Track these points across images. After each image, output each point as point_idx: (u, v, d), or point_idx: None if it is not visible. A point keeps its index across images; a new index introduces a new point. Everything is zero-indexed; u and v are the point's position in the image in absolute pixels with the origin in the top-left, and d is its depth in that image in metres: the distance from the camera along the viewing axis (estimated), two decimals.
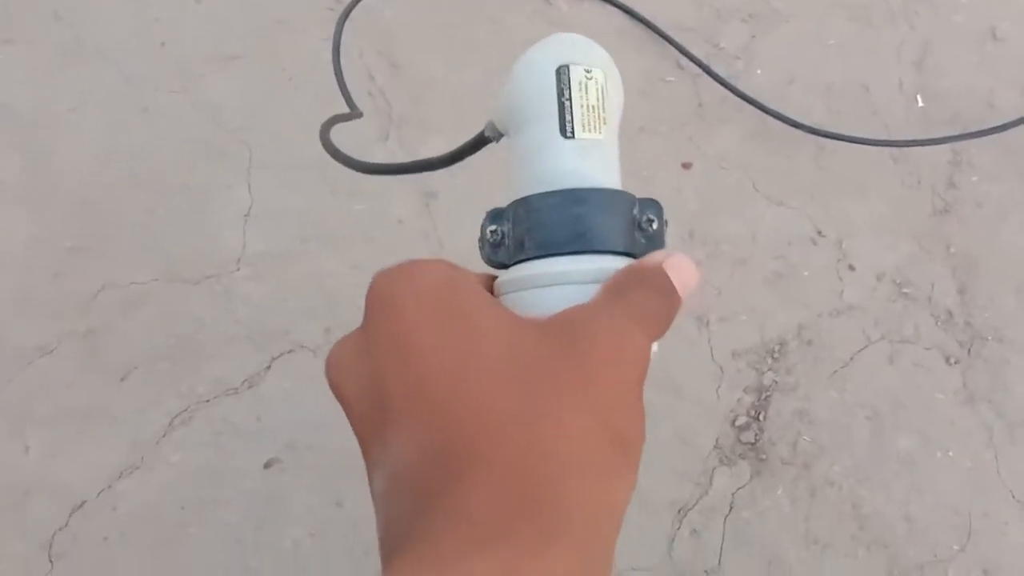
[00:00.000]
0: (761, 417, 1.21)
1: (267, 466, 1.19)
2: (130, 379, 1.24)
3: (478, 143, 0.62)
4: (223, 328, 1.27)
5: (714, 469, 1.18)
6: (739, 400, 1.22)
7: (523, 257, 0.44)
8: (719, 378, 1.23)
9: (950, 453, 1.20)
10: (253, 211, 1.35)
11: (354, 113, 0.98)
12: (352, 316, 1.10)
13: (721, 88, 1.42)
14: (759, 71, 1.45)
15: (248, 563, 1.14)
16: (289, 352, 1.25)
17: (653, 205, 0.47)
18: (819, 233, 1.32)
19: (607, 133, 0.47)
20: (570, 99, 0.46)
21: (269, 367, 1.25)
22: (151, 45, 1.47)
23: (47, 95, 1.43)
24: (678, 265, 0.36)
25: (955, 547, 1.15)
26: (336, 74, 1.05)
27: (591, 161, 0.46)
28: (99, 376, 1.24)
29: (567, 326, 0.31)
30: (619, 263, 0.43)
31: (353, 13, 1.13)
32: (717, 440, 1.20)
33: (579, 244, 0.44)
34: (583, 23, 1.49)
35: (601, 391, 0.29)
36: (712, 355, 1.25)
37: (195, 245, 1.32)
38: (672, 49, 1.46)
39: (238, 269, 1.31)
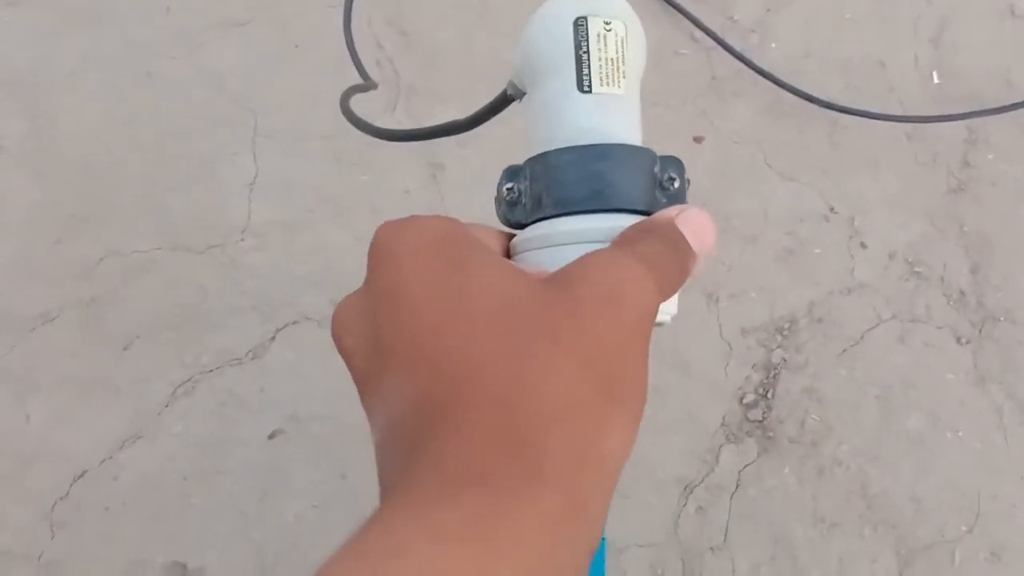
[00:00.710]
0: (769, 395, 1.20)
1: (271, 437, 1.18)
2: (133, 348, 1.23)
3: (501, 103, 0.60)
4: (227, 298, 1.26)
5: (721, 446, 1.17)
6: (747, 378, 1.21)
7: (540, 216, 0.43)
8: (728, 355, 1.22)
9: (960, 434, 1.19)
10: (258, 180, 1.33)
11: (369, 84, 0.96)
12: (352, 287, 1.09)
13: (735, 61, 1.40)
14: (774, 45, 1.43)
15: (251, 535, 1.13)
16: (294, 323, 1.24)
17: (675, 163, 0.45)
18: (831, 210, 1.31)
19: (627, 87, 0.46)
20: (588, 52, 0.45)
21: (274, 338, 1.23)
22: (157, 10, 1.45)
23: (51, 59, 1.41)
24: (692, 219, 0.34)
25: (963, 528, 1.14)
26: (348, 45, 1.02)
27: (610, 116, 0.45)
28: (102, 345, 1.23)
29: (565, 273, 0.30)
30: (639, 221, 0.42)
31: None
32: (724, 418, 1.19)
33: (598, 202, 0.42)
34: None
35: (593, 333, 0.27)
36: (721, 332, 1.23)
37: (199, 214, 1.31)
38: (686, 21, 1.44)
39: (243, 239, 1.29)
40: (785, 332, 1.23)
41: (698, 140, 1.35)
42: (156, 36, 1.42)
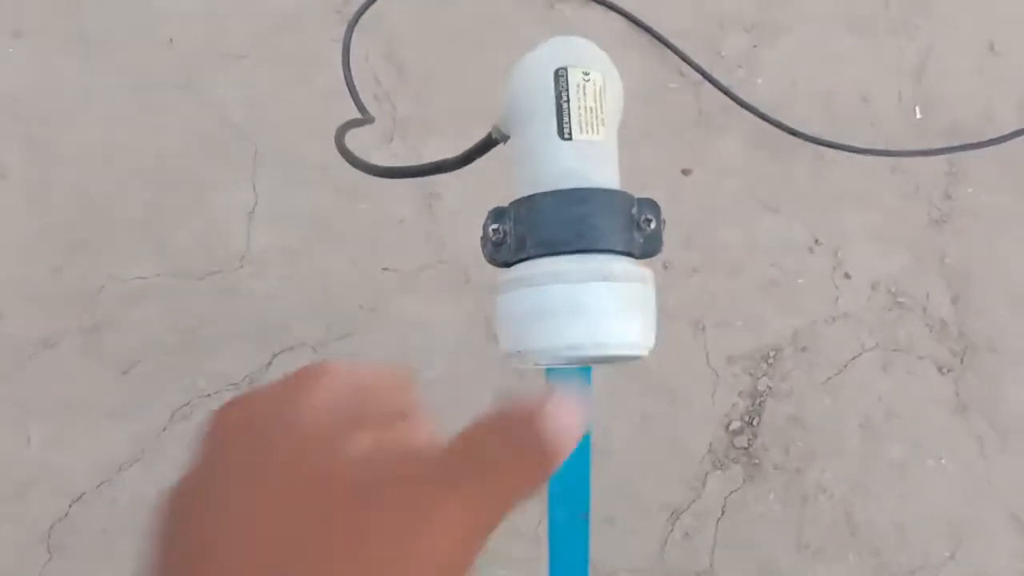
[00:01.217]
0: (755, 422, 1.23)
1: None
2: (132, 373, 1.26)
3: (486, 145, 0.64)
4: (225, 324, 1.29)
5: (707, 473, 1.20)
6: (733, 405, 1.23)
7: (524, 256, 0.46)
8: (714, 383, 1.25)
9: (942, 461, 1.21)
10: (258, 209, 1.36)
11: (366, 119, 1.00)
12: (352, 315, 1.13)
13: (722, 96, 1.44)
14: (760, 80, 1.47)
15: None
16: (290, 348, 1.27)
17: (651, 205, 0.49)
18: (816, 241, 1.34)
19: (605, 134, 0.49)
20: (568, 101, 0.48)
21: (270, 363, 1.26)
22: (160, 41, 1.49)
23: (53, 88, 1.45)
24: (555, 413, 0.28)
25: (945, 554, 1.16)
26: (347, 82, 1.06)
27: (590, 162, 0.48)
28: (101, 370, 1.26)
29: (372, 479, 0.26)
30: (618, 261, 0.45)
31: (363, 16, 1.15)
32: (711, 444, 1.21)
33: (579, 243, 0.45)
34: (587, 28, 1.50)
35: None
36: (708, 360, 1.26)
37: (199, 241, 1.34)
38: (674, 56, 1.48)
39: (241, 266, 1.32)
40: (770, 360, 1.26)
41: (686, 172, 1.39)
42: (158, 67, 1.46)
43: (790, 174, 1.39)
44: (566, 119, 0.49)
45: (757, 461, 1.20)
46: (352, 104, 0.95)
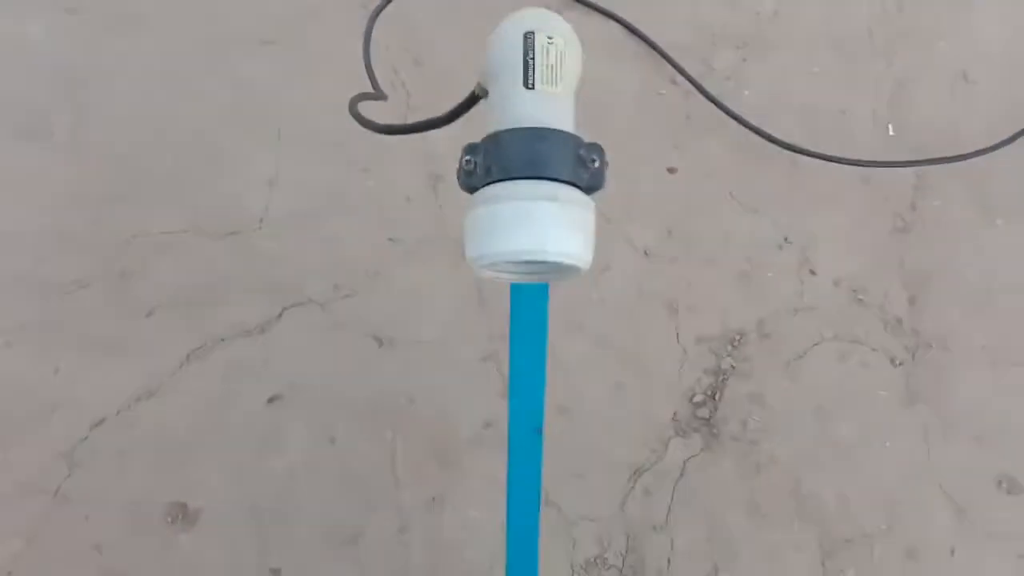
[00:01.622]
0: (717, 397, 1.34)
1: (270, 401, 1.32)
2: (154, 316, 1.38)
3: (471, 100, 0.77)
4: (242, 279, 1.41)
5: (670, 439, 1.31)
6: (698, 380, 1.35)
7: (488, 181, 0.58)
8: (682, 360, 1.36)
9: (887, 444, 1.32)
10: (278, 179, 1.49)
11: (379, 94, 1.13)
12: (358, 278, 1.27)
13: (710, 104, 1.57)
14: (746, 92, 1.59)
15: (245, 483, 1.27)
16: (299, 304, 1.39)
17: (597, 148, 0.61)
18: (785, 239, 1.46)
19: (563, 88, 0.62)
20: (533, 58, 0.61)
21: (280, 316, 1.38)
22: (198, 24, 1.63)
23: (101, 60, 1.59)
24: None
25: (883, 527, 1.26)
26: (366, 64, 1.20)
27: (548, 108, 0.61)
28: (127, 311, 1.38)
29: None
30: (564, 188, 0.57)
31: (385, 9, 1.28)
32: (675, 414, 1.32)
33: (533, 170, 0.58)
34: (589, 35, 1.63)
35: None
36: (678, 339, 1.38)
37: (223, 204, 1.47)
38: (668, 66, 1.61)
39: (259, 228, 1.45)
40: (736, 343, 1.37)
41: (671, 171, 1.51)
42: (195, 47, 1.60)
43: (767, 178, 1.51)
44: (530, 72, 0.62)
45: (716, 432, 1.31)
46: (369, 89, 1.08)
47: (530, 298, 0.73)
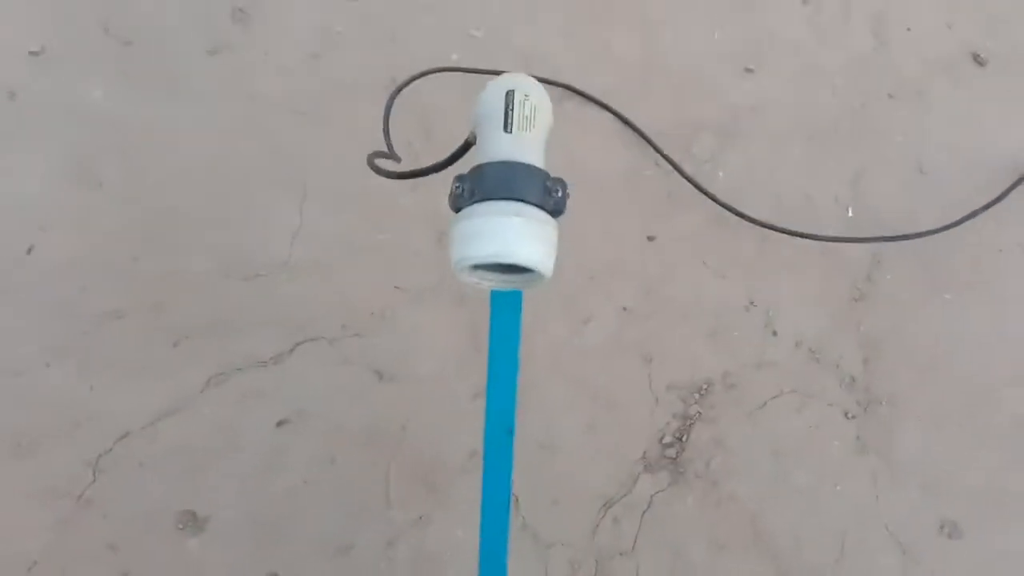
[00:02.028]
0: (684, 439, 1.47)
1: (279, 425, 1.46)
2: (180, 345, 1.54)
3: (465, 147, 0.96)
4: (262, 316, 1.58)
5: (639, 474, 1.43)
6: (667, 423, 1.48)
7: (471, 201, 0.76)
8: (654, 405, 1.50)
9: (838, 488, 1.44)
10: (300, 231, 1.68)
11: (394, 156, 1.33)
12: (365, 319, 1.47)
13: (688, 184, 1.75)
14: (721, 174, 1.78)
15: (252, 497, 1.40)
16: (311, 340, 1.55)
17: (561, 181, 0.79)
18: (751, 303, 1.62)
19: (535, 134, 0.80)
20: (512, 109, 0.80)
21: (292, 350, 1.54)
22: (242, 96, 1.85)
23: (151, 122, 1.80)
24: None
25: (832, 563, 1.37)
26: (384, 130, 1.39)
27: (522, 148, 0.79)
28: (156, 340, 1.54)
29: None
30: (531, 208, 0.74)
31: (403, 91, 1.49)
32: (645, 452, 1.45)
33: (506, 193, 0.75)
34: (584, 122, 1.85)
35: None
36: (650, 386, 1.52)
37: (251, 250, 1.65)
38: (652, 150, 1.81)
39: (281, 273, 1.62)
40: (703, 392, 1.51)
41: (651, 239, 1.69)
42: (235, 114, 1.82)
43: (737, 249, 1.69)
44: (509, 120, 0.81)
45: (682, 470, 1.44)
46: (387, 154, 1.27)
47: (506, 305, 0.89)
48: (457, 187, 0.80)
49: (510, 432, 0.99)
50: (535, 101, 0.83)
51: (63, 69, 1.91)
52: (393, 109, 1.40)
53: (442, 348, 1.54)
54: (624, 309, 1.60)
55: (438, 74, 1.48)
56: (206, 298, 1.59)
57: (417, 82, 1.72)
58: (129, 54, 1.92)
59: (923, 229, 1.72)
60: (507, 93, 0.82)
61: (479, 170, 0.79)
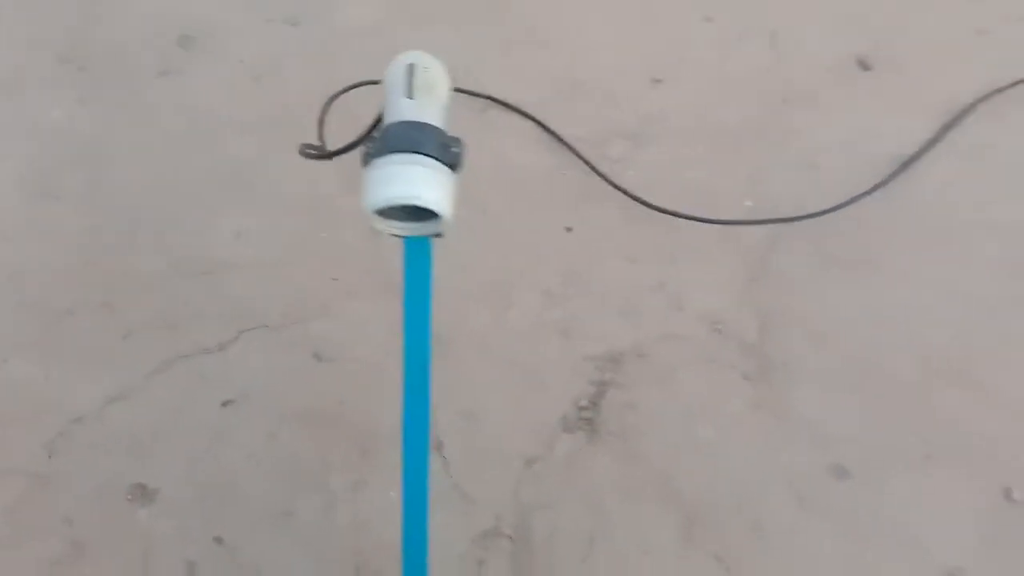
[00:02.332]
0: (599, 404, 1.61)
1: (224, 405, 1.58)
2: (130, 337, 1.66)
3: (377, 121, 1.11)
4: (208, 309, 1.70)
5: (558, 436, 1.57)
6: (584, 390, 1.62)
7: (379, 155, 0.90)
8: (572, 375, 1.64)
9: (739, 442, 1.58)
10: (246, 233, 1.81)
11: (323, 149, 1.47)
12: (305, 308, 1.64)
13: (602, 181, 1.93)
14: (632, 172, 1.96)
15: (198, 471, 1.50)
16: (253, 328, 1.67)
17: (458, 140, 0.94)
18: (659, 284, 1.77)
19: (434, 100, 0.96)
20: (412, 78, 0.95)
21: (237, 338, 1.66)
22: (193, 113, 2.00)
23: (109, 139, 1.94)
24: None
25: (734, 508, 1.51)
26: (319, 124, 1.53)
27: (423, 111, 0.94)
28: (109, 333, 1.66)
29: None
30: (431, 160, 0.89)
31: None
32: (564, 416, 1.59)
33: (409, 147, 0.90)
34: (508, 129, 2.02)
35: None
36: (569, 357, 1.66)
37: (199, 251, 1.78)
38: (571, 153, 1.98)
39: (227, 271, 1.75)
40: (616, 362, 1.66)
41: (569, 230, 1.85)
42: (183, 128, 1.97)
43: (647, 237, 1.85)
44: (410, 87, 0.96)
45: (597, 431, 1.58)
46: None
47: (417, 252, 1.03)
48: (368, 144, 0.95)
49: (426, 369, 1.13)
50: (434, 72, 0.98)
51: (24, 94, 2.05)
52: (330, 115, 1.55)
53: (374, 332, 1.67)
54: (545, 293, 1.75)
55: (372, 86, 1.64)
56: (156, 295, 1.72)
57: (355, 98, 1.89)
58: (84, 78, 2.07)
59: (813, 211, 1.90)
60: (409, 65, 0.97)
61: (386, 129, 0.94)
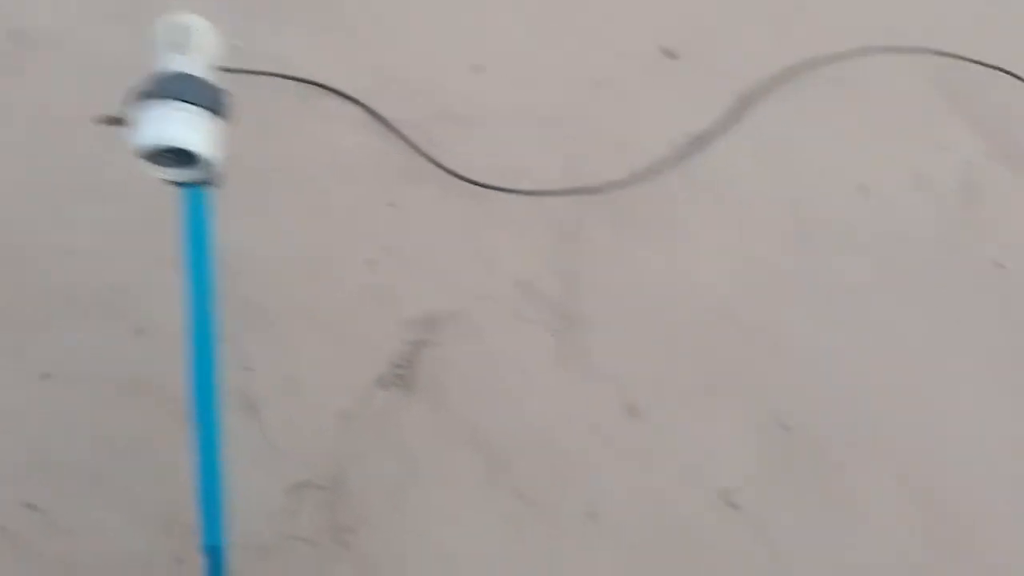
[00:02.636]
0: (414, 362, 1.72)
1: (42, 378, 1.61)
2: None
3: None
4: (33, 291, 1.73)
5: (374, 392, 1.67)
6: (400, 350, 1.73)
7: (143, 102, 0.98)
8: (389, 336, 1.75)
9: (543, 389, 1.73)
10: (84, 219, 1.84)
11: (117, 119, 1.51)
12: (125, 285, 1.68)
13: (426, 161, 2.05)
14: (453, 152, 2.09)
15: (13, 440, 1.53)
16: (74, 304, 1.71)
17: (224, 91, 1.02)
18: (475, 252, 1.91)
19: (200, 55, 1.04)
20: (181, 34, 1.03)
21: (56, 313, 1.70)
22: (30, 110, 2.01)
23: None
24: None
25: (537, 449, 1.65)
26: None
27: (191, 64, 1.02)
28: None
29: None
30: (195, 108, 0.97)
31: None
32: (380, 375, 1.70)
33: (175, 94, 0.98)
34: (338, 116, 2.12)
35: None
36: (387, 321, 1.77)
37: (32, 236, 1.80)
38: (395, 135, 2.09)
39: (60, 256, 1.78)
40: (431, 323, 1.78)
41: (391, 205, 1.96)
42: (23, 127, 1.97)
43: (465, 210, 1.98)
44: (178, 43, 1.04)
45: (411, 387, 1.69)
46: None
47: (193, 202, 1.11)
48: (140, 92, 1.02)
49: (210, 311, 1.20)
50: (200, 31, 1.07)
51: None
52: None
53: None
54: (367, 263, 1.86)
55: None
56: None
57: None
58: None
59: (615, 182, 2.08)
60: (177, 24, 1.05)
61: (155, 78, 1.01)
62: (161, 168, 1.01)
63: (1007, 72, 2.47)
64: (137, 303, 1.73)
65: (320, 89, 2.15)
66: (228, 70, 1.65)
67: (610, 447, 1.68)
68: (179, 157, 0.99)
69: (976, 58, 2.48)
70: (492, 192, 2.01)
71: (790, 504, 1.68)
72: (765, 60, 2.38)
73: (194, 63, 1.04)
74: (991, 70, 2.47)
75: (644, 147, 2.17)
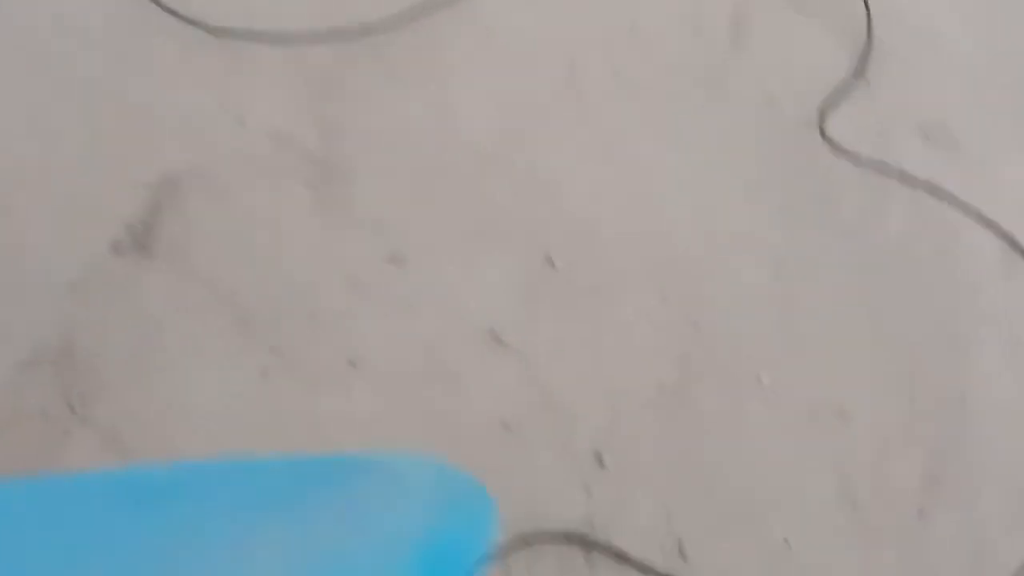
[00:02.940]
0: (152, 225, 1.60)
1: None
2: None
3: None
4: None
5: (108, 259, 1.55)
6: (137, 214, 1.61)
7: None
8: (125, 199, 1.62)
9: (298, 244, 1.65)
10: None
11: None
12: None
13: (161, 12, 1.85)
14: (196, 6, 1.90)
15: None
16: None
17: None
18: (221, 107, 1.77)
19: None
20: None
21: None
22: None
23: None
24: None
25: (288, 304, 1.58)
26: None
27: None
28: None
29: None
30: None
31: None
32: (115, 241, 1.57)
33: None
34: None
35: None
36: (122, 184, 1.63)
37: None
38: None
39: None
40: (173, 184, 1.65)
41: (123, 60, 1.78)
42: None
43: (209, 63, 1.82)
44: None
45: (150, 251, 1.58)
46: None
47: None
48: None
49: None
50: None
51: None
52: None
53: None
54: (93, 131, 1.69)
55: None
56: None
57: None
58: None
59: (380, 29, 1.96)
60: None
61: None
62: None
63: None
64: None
65: None
66: None
67: (372, 297, 1.64)
68: None
69: None
70: (240, 42, 1.85)
71: (557, 337, 1.71)
72: None
73: None
74: None
75: None
